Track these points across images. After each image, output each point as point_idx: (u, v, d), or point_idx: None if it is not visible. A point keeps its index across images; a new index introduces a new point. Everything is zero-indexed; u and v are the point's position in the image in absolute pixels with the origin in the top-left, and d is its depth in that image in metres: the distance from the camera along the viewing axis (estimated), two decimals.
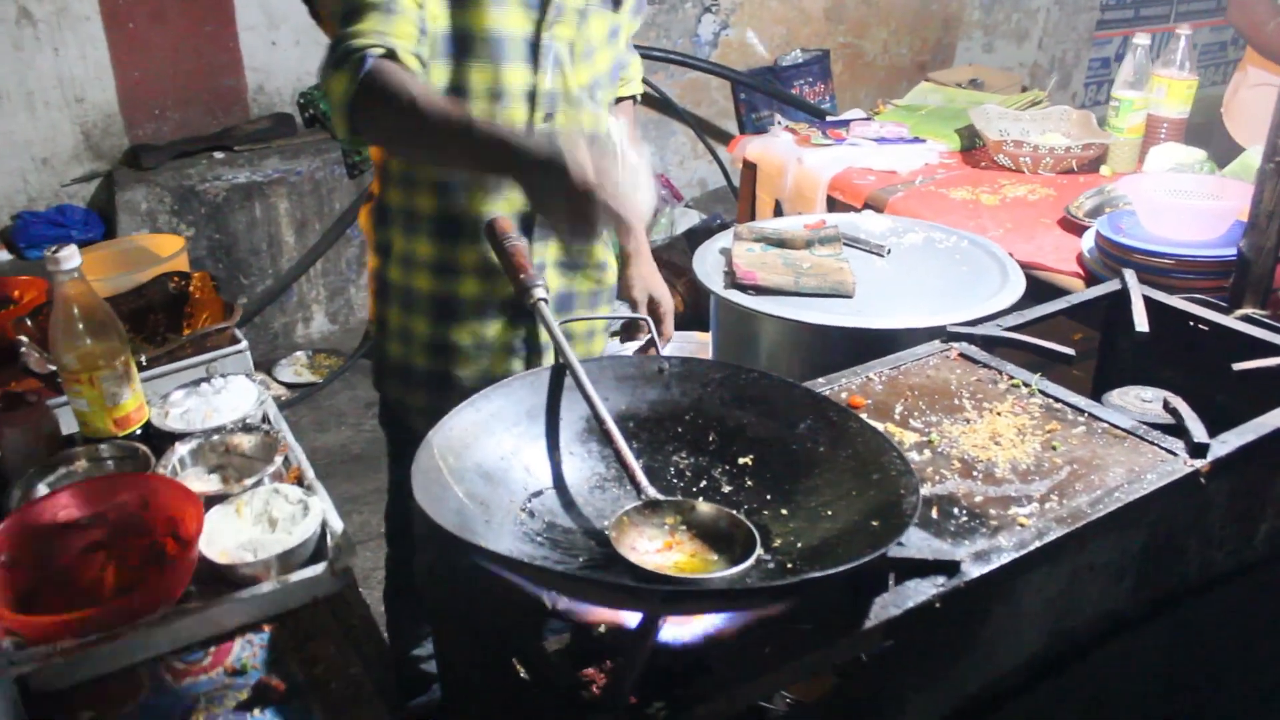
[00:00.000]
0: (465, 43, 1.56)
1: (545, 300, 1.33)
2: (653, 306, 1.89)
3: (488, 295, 1.69)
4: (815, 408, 1.27)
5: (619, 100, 1.89)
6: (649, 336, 1.48)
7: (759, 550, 1.08)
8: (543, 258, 1.71)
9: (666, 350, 1.78)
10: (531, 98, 1.61)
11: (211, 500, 1.30)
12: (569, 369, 1.26)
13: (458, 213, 1.64)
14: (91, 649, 1.11)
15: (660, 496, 1.16)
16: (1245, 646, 1.61)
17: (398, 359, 1.79)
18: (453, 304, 1.70)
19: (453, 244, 1.66)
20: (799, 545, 1.14)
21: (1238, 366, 1.58)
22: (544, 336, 1.74)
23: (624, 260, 1.90)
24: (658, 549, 1.13)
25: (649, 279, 1.90)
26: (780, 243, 2.17)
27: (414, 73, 1.42)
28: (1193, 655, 1.50)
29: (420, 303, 1.72)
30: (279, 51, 4.04)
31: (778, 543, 1.16)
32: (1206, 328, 1.72)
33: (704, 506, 1.15)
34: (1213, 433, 1.36)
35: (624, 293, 1.89)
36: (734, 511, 1.14)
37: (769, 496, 1.24)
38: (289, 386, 3.90)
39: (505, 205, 1.64)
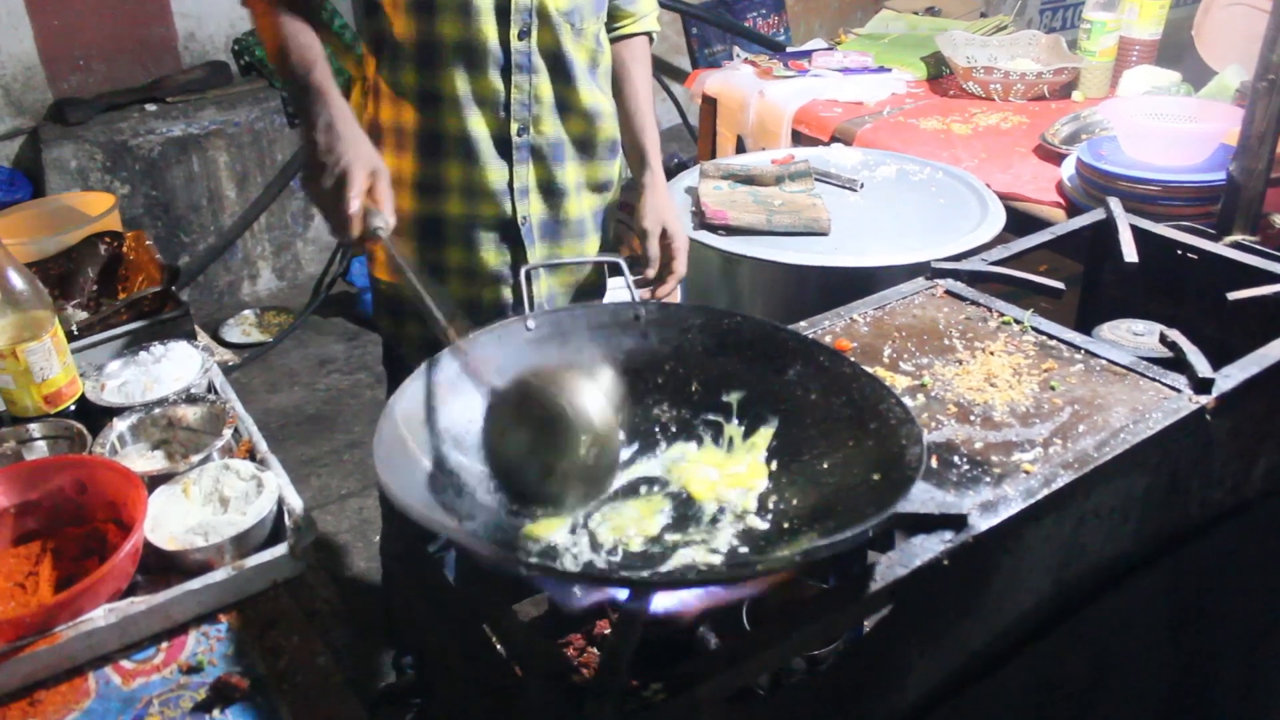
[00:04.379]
0: None
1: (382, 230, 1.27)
2: (665, 240, 1.81)
3: (472, 216, 1.68)
4: (804, 352, 1.19)
5: (626, 37, 1.83)
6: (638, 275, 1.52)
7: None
8: (525, 182, 1.69)
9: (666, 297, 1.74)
10: (504, 13, 1.58)
11: (156, 480, 1.21)
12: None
13: (441, 128, 1.63)
14: (28, 652, 1.01)
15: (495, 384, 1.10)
16: (1246, 584, 1.58)
17: (387, 289, 1.79)
18: (438, 225, 1.68)
19: (436, 161, 1.65)
20: (795, 503, 1.07)
21: (1233, 296, 1.53)
22: (534, 259, 1.73)
23: (638, 191, 1.85)
24: None
25: (662, 210, 1.82)
26: (749, 179, 2.09)
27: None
28: (1196, 596, 1.47)
29: (406, 225, 1.69)
30: None
31: (772, 500, 1.09)
32: (1195, 256, 1.66)
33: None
34: (1211, 366, 1.31)
35: (636, 223, 1.84)
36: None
37: None
38: (238, 347, 3.77)
39: (484, 124, 1.63)
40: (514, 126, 1.63)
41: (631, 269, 1.83)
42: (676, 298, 2.24)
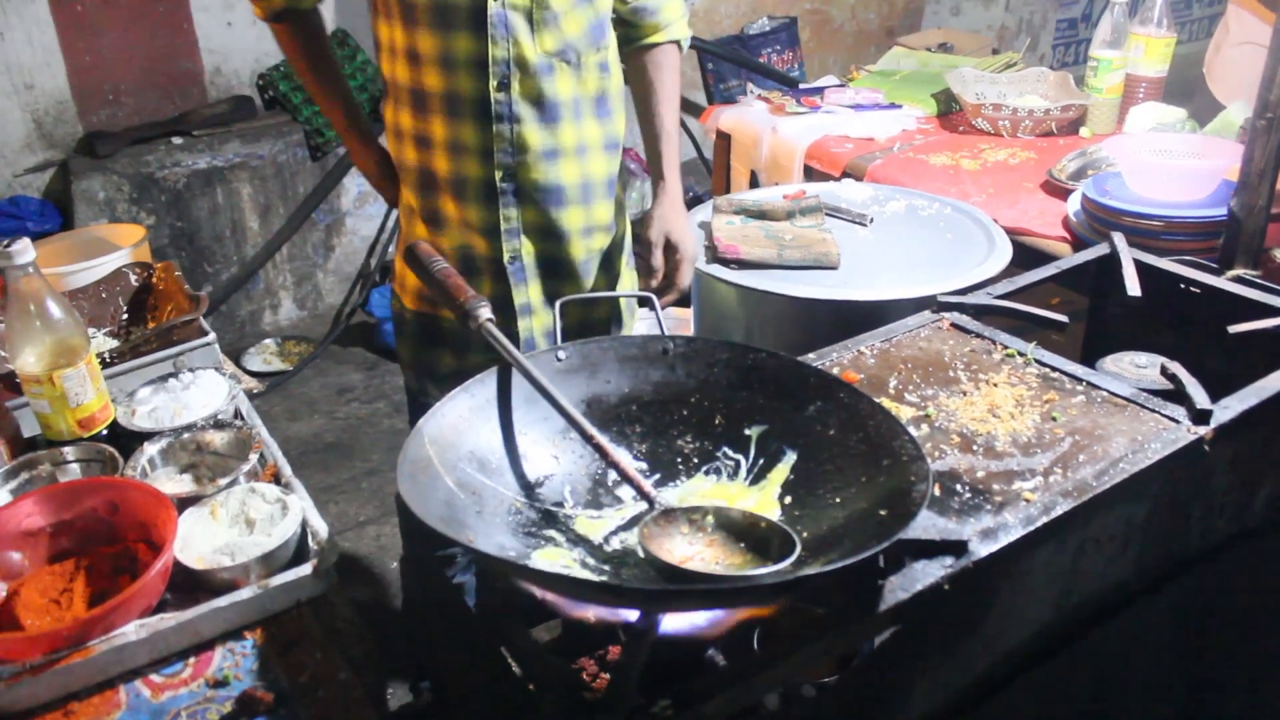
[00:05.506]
0: (412, 10, 1.58)
1: (492, 320, 1.25)
2: (670, 250, 1.82)
3: (468, 249, 1.73)
4: (825, 389, 1.21)
5: (651, 47, 1.83)
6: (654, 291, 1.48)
7: (798, 550, 1.01)
8: (514, 224, 1.71)
9: (664, 310, 1.77)
10: (482, 66, 1.60)
11: (184, 502, 1.25)
12: (545, 396, 1.17)
13: (433, 167, 1.69)
14: (62, 665, 1.05)
15: (675, 505, 1.10)
16: (1250, 613, 1.60)
17: (397, 310, 1.88)
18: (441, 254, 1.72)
19: (434, 196, 1.71)
20: (805, 535, 1.10)
21: (1234, 329, 1.56)
22: (523, 297, 1.76)
23: (652, 201, 1.87)
24: (697, 550, 1.07)
25: (669, 220, 1.83)
26: (761, 214, 2.13)
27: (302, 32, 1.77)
28: (1199, 624, 1.49)
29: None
30: (235, 32, 3.93)
31: None
32: (1198, 290, 1.69)
33: (733, 512, 1.09)
34: (1211, 397, 1.34)
35: (642, 232, 1.85)
36: (762, 516, 1.09)
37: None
38: (258, 375, 3.83)
39: (470, 168, 1.67)
40: (498, 174, 1.66)
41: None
42: (690, 325, 2.28)
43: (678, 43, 1.87)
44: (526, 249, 1.74)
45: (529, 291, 1.76)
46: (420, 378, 1.87)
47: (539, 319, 1.79)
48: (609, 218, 1.82)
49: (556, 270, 1.77)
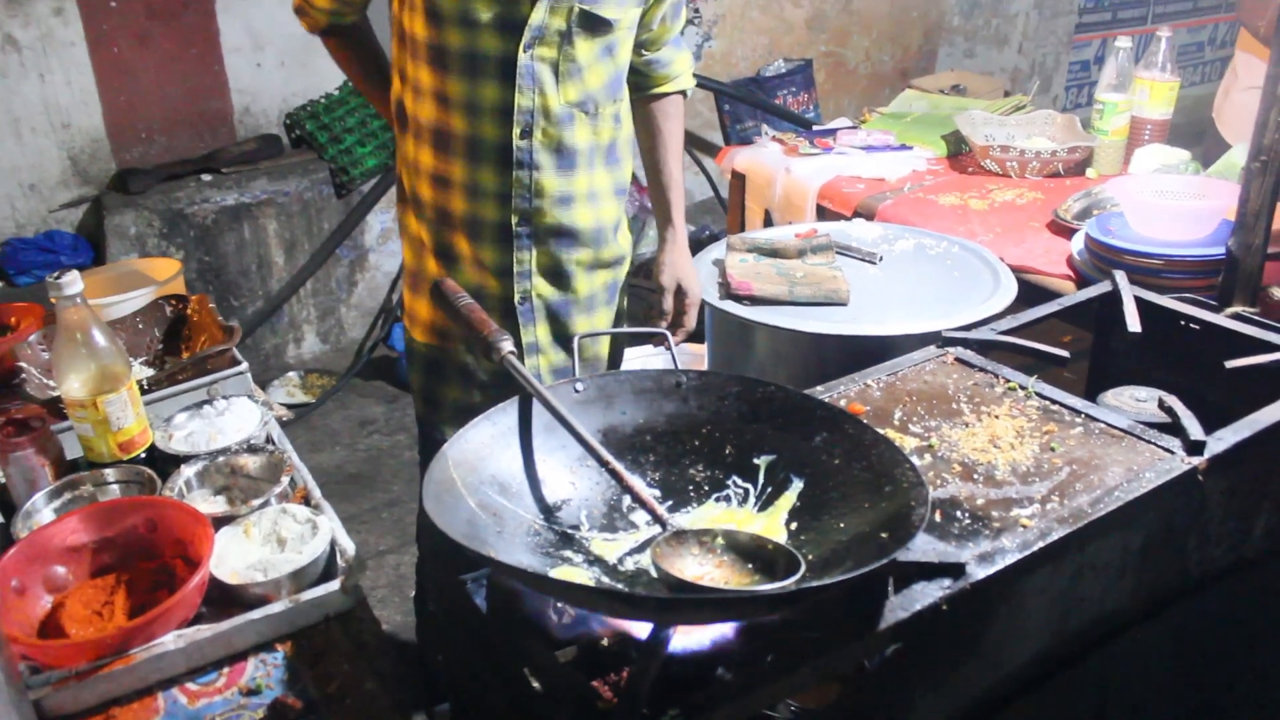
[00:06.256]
0: (442, 56, 1.64)
1: (514, 353, 1.29)
2: (679, 294, 1.93)
3: (480, 286, 1.78)
4: (832, 421, 1.27)
5: (660, 96, 1.92)
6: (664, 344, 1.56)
7: (803, 569, 1.06)
8: (527, 265, 1.77)
9: (678, 346, 1.83)
10: (507, 114, 1.66)
11: (219, 522, 1.30)
12: (563, 424, 1.22)
13: (450, 207, 1.75)
14: (105, 672, 1.11)
15: (686, 527, 1.15)
16: (1250, 642, 1.63)
17: (407, 341, 1.94)
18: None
19: (449, 233, 1.77)
20: (810, 558, 1.15)
21: (1230, 364, 1.60)
22: (530, 336, 1.82)
23: (659, 246, 1.97)
24: (707, 570, 1.12)
25: (679, 267, 1.93)
26: (773, 252, 2.19)
27: (351, 44, 1.87)
28: (1198, 652, 1.52)
29: (422, 282, 1.82)
30: (264, 73, 4.05)
31: None
32: (1197, 326, 1.74)
33: (741, 535, 1.14)
34: (1208, 430, 1.38)
35: (654, 277, 1.95)
36: (768, 538, 1.13)
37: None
38: (282, 407, 3.89)
39: (486, 210, 1.72)
40: (514, 218, 1.72)
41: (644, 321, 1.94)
42: (703, 359, 2.33)
43: (684, 91, 1.96)
44: (537, 290, 1.80)
45: (537, 331, 1.82)
46: (430, 407, 1.93)
47: (546, 358, 1.85)
48: (616, 259, 1.89)
49: (565, 310, 1.84)
